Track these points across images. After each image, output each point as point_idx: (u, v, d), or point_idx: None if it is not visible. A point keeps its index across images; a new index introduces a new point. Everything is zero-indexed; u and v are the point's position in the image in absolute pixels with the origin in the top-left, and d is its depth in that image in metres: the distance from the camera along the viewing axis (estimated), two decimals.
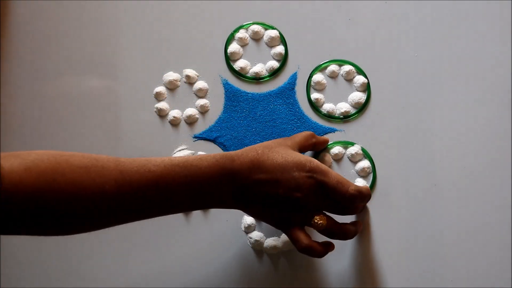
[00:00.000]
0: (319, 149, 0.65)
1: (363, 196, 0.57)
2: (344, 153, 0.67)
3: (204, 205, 0.57)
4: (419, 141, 0.66)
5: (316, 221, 0.56)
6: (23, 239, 0.68)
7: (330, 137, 0.67)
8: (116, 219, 0.54)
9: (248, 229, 0.67)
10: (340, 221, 0.58)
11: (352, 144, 0.66)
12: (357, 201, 0.57)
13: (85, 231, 0.54)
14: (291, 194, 0.54)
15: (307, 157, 0.56)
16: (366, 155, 0.66)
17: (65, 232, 0.52)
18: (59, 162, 0.49)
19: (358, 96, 0.67)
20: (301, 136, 0.62)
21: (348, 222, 0.60)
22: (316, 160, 0.56)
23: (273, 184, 0.54)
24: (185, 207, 0.56)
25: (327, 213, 0.57)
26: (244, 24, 0.69)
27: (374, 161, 0.66)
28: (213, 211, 0.67)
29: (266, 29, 0.69)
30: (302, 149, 0.61)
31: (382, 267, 0.65)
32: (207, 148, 0.68)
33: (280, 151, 0.55)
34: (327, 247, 0.57)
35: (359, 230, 0.61)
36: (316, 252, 0.56)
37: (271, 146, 0.56)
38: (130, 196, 0.51)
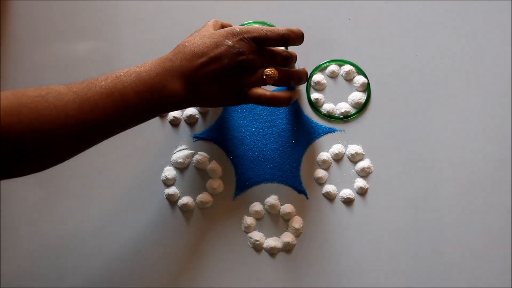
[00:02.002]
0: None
1: (295, 33, 0.60)
2: (344, 153, 0.67)
3: (161, 107, 0.57)
4: (419, 141, 0.67)
5: (267, 72, 0.58)
6: (23, 239, 0.68)
7: (330, 137, 0.68)
8: (85, 141, 0.55)
9: (248, 229, 0.67)
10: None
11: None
12: (292, 40, 0.60)
13: (58, 162, 0.55)
14: (235, 60, 0.57)
15: (228, 28, 0.59)
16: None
17: (40, 166, 0.54)
18: (18, 96, 0.51)
19: (358, 96, 0.67)
20: (210, 23, 0.63)
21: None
22: (237, 26, 0.60)
23: (215, 60, 0.57)
24: (144, 113, 0.57)
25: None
26: (244, 23, 0.69)
27: (373, 160, 0.66)
28: (213, 211, 0.67)
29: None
30: None
31: (382, 267, 0.65)
32: (207, 148, 0.68)
33: (204, 35, 0.59)
34: (290, 93, 0.60)
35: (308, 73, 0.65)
36: (282, 99, 0.59)
37: (194, 36, 0.59)
38: (90, 113, 0.53)
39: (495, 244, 0.65)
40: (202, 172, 0.68)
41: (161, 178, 0.68)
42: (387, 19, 0.68)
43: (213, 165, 0.67)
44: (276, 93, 0.59)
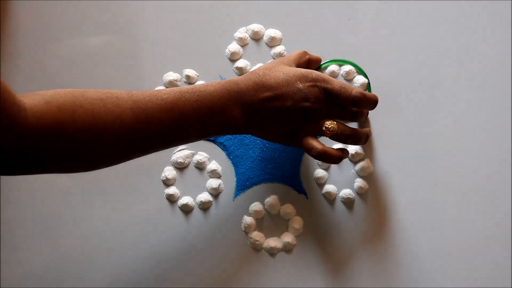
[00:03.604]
0: (313, 67, 0.66)
1: (367, 98, 0.59)
2: None
3: (216, 131, 0.58)
4: (419, 141, 0.66)
5: (327, 125, 0.57)
6: (23, 239, 0.68)
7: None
8: (135, 149, 0.56)
9: (248, 229, 0.67)
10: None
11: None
12: (362, 104, 0.59)
13: (107, 165, 0.56)
14: (300, 104, 0.56)
15: (307, 69, 0.59)
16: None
17: (89, 166, 0.55)
18: (76, 95, 0.51)
19: None
20: (295, 54, 0.63)
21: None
22: (316, 71, 0.59)
23: (280, 98, 0.56)
24: (198, 133, 0.58)
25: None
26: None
27: (373, 160, 0.66)
28: (213, 211, 0.67)
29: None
30: (297, 66, 0.62)
31: (382, 267, 0.65)
32: (207, 148, 0.68)
33: (280, 69, 0.58)
34: (342, 152, 0.59)
35: (370, 135, 0.64)
36: (332, 156, 0.57)
37: (270, 67, 0.59)
38: (146, 124, 0.53)
39: (495, 244, 0.65)
40: (202, 172, 0.68)
41: (161, 178, 0.68)
42: (387, 19, 0.68)
43: (213, 165, 0.67)
44: (327, 149, 0.57)
